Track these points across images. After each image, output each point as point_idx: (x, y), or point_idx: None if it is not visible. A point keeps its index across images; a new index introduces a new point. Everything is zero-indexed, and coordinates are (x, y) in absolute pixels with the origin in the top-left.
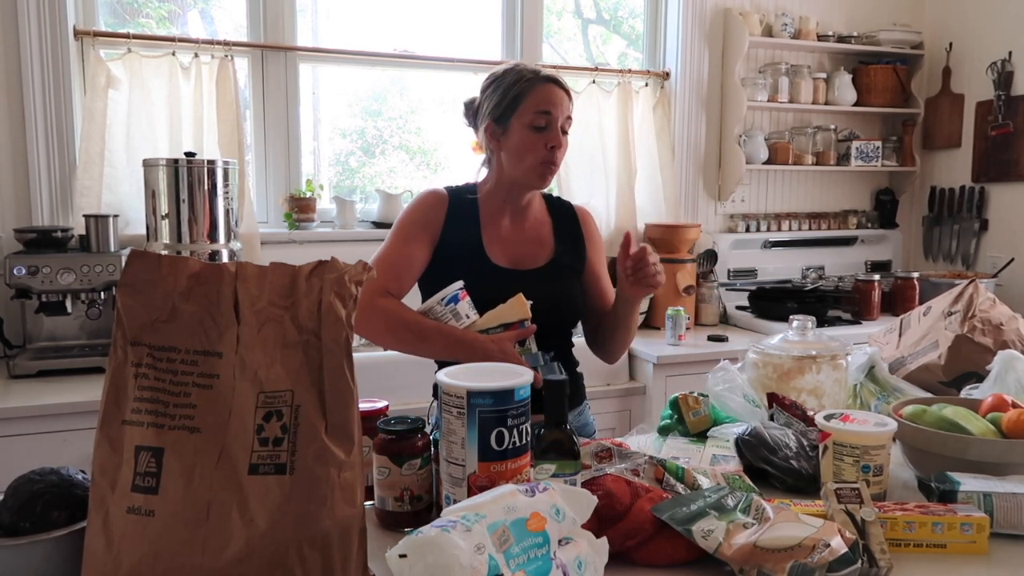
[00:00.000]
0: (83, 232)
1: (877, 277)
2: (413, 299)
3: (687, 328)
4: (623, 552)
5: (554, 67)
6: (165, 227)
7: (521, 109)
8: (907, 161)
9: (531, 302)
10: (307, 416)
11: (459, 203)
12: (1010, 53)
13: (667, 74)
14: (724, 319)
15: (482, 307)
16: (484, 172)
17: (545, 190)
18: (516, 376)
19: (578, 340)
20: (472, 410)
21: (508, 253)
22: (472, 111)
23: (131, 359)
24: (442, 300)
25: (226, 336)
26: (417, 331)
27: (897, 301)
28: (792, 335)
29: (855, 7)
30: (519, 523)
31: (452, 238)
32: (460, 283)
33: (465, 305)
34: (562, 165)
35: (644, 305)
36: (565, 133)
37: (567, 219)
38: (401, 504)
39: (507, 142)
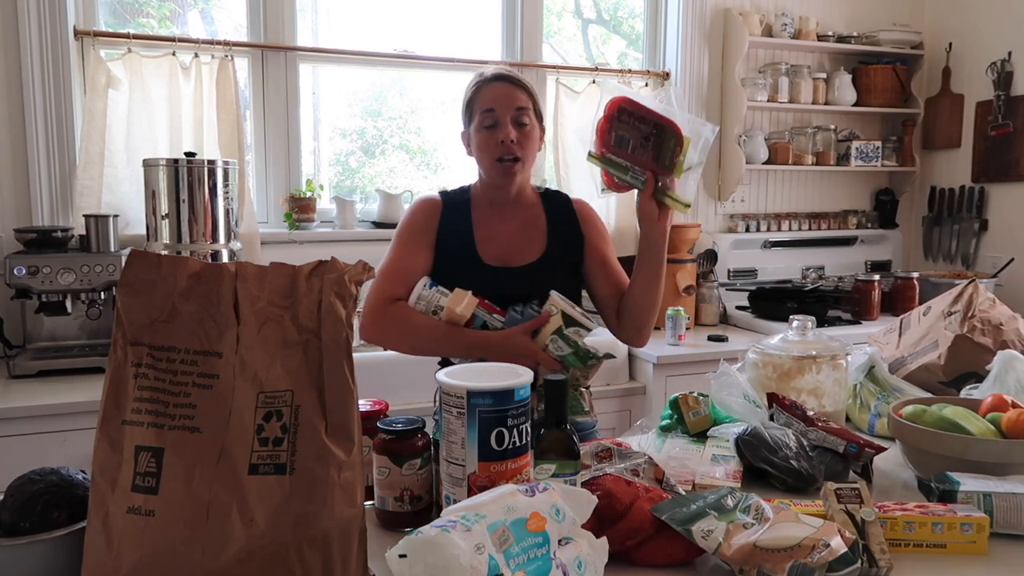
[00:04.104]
0: (83, 232)
1: (877, 277)
2: None
3: (687, 328)
4: (623, 552)
5: (554, 67)
6: (165, 227)
7: (474, 114)
8: (907, 161)
9: (477, 299)
10: (307, 416)
11: (452, 206)
12: (1010, 53)
13: (667, 74)
14: (724, 319)
15: None
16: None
17: (541, 185)
18: (516, 376)
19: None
20: (472, 410)
21: (499, 251)
22: None
23: (131, 359)
24: (425, 284)
25: (226, 336)
26: (429, 337)
27: (897, 301)
28: (792, 335)
29: (855, 7)
30: (519, 523)
31: (448, 240)
32: None
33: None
34: (562, 165)
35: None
36: (523, 125)
37: (561, 210)
38: (401, 504)
39: (473, 148)
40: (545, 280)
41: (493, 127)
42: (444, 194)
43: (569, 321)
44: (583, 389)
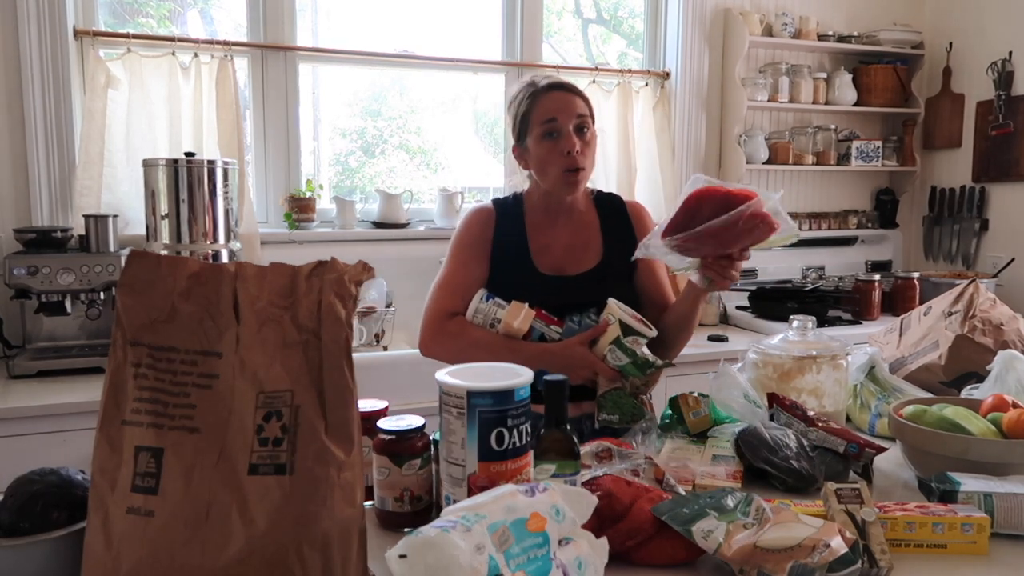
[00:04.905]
0: (83, 232)
1: (877, 277)
2: None
3: None
4: (623, 552)
5: (554, 67)
6: (165, 227)
7: (531, 125)
8: (907, 161)
9: (533, 311)
10: (307, 416)
11: (505, 215)
12: (1010, 53)
13: (667, 74)
14: (724, 319)
15: None
16: (527, 184)
17: (592, 187)
18: (516, 376)
19: None
20: (472, 410)
21: (554, 260)
22: None
23: (130, 359)
24: (482, 297)
25: (226, 336)
26: (487, 351)
27: (897, 301)
28: (792, 335)
29: (855, 7)
30: (519, 523)
31: (503, 250)
32: None
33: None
34: None
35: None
36: (583, 132)
37: (615, 216)
38: (401, 504)
39: (530, 159)
40: (602, 288)
41: (556, 137)
42: (496, 203)
43: (627, 330)
44: (645, 397)
